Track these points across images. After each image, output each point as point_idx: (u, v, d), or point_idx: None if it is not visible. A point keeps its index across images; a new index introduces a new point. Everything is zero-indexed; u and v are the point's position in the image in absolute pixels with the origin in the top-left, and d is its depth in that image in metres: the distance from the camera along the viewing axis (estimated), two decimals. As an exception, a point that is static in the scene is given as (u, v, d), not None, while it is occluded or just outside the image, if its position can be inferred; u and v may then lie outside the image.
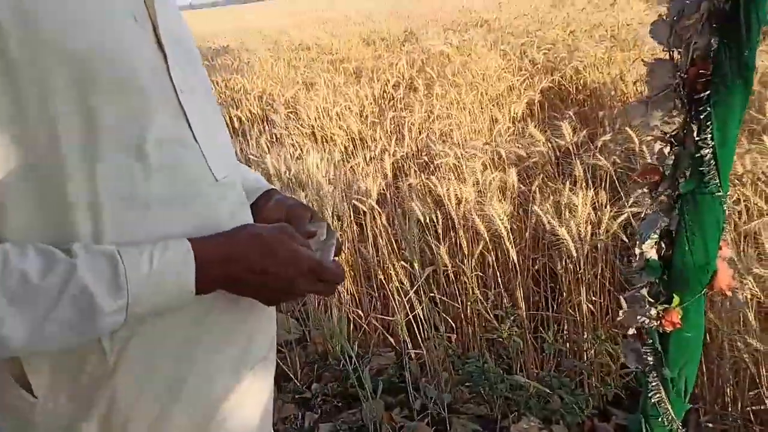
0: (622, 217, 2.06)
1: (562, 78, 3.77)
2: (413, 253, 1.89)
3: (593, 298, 2.09)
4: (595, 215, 2.08)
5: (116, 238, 0.62)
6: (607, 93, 3.59)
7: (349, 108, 3.57)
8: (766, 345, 1.46)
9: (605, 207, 2.06)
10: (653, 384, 1.16)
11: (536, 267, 2.38)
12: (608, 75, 3.66)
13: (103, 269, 0.59)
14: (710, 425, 1.75)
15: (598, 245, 2.07)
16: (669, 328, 1.07)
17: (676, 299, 1.06)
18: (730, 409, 1.73)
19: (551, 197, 2.33)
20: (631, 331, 1.10)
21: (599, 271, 2.10)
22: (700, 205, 0.97)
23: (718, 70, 0.89)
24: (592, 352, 1.90)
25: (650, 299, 1.08)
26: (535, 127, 2.86)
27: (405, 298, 1.85)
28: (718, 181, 0.94)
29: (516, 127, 3.14)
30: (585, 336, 1.99)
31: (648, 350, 1.14)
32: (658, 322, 1.07)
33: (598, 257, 2.10)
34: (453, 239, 2.21)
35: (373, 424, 1.93)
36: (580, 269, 2.05)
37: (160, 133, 0.64)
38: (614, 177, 2.42)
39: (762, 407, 1.66)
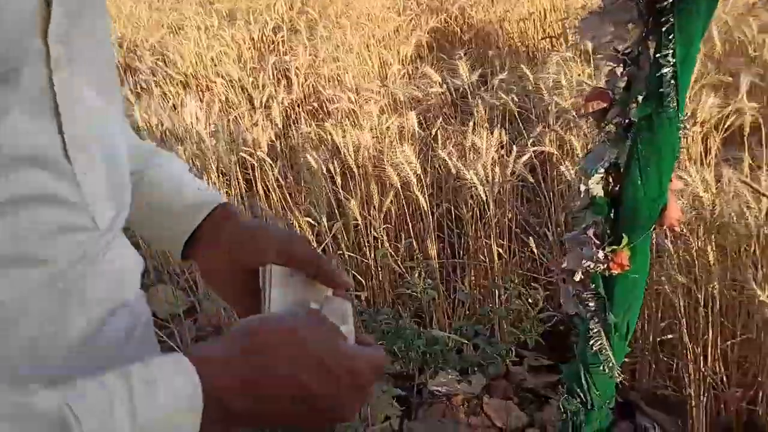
0: (526, 157, 2.00)
1: (448, 18, 3.65)
2: (320, 207, 1.70)
3: (502, 242, 2.03)
4: (499, 156, 1.99)
5: None
6: (494, 32, 3.52)
7: (226, 53, 3.23)
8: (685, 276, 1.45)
9: (510, 147, 1.98)
10: (595, 331, 1.08)
11: (439, 211, 2.28)
12: (494, 14, 3.59)
13: None
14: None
15: (504, 187, 2.00)
16: (617, 271, 0.97)
17: (625, 239, 0.96)
18: (640, 342, 1.75)
19: (452, 140, 2.22)
20: (578, 277, 0.99)
21: (506, 214, 2.04)
22: (657, 132, 0.87)
23: (683, -28, 0.77)
24: (505, 296, 1.84)
25: (596, 241, 0.97)
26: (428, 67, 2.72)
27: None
28: (676, 102, 0.84)
29: (407, 69, 2.99)
30: (496, 281, 1.92)
31: (590, 295, 1.05)
32: (606, 265, 0.97)
33: (505, 199, 2.03)
34: (362, 190, 2.04)
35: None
36: (487, 213, 1.96)
37: (5, 144, 0.37)
38: (515, 116, 2.36)
39: (670, 336, 1.68)
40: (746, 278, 1.31)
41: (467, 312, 2.06)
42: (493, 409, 1.71)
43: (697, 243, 1.42)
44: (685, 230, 1.41)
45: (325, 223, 1.74)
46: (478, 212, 2.06)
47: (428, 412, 1.71)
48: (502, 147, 2.06)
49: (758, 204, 1.42)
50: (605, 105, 0.91)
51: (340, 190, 2.02)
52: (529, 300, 1.79)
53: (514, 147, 1.96)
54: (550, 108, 2.29)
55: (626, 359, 1.76)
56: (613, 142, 0.93)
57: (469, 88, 2.54)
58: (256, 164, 2.22)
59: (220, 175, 2.20)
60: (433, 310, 1.98)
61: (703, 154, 1.85)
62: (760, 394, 1.53)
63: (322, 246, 1.73)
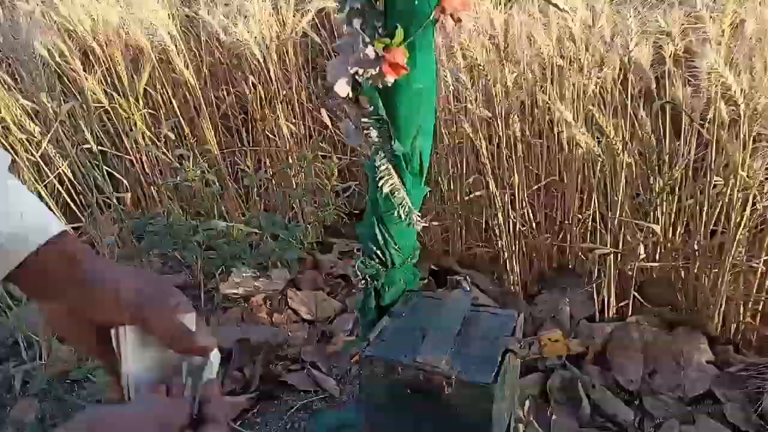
0: (309, 16, 1.71)
1: None
2: (41, 87, 1.27)
3: (294, 120, 1.76)
4: (278, 17, 1.68)
5: None
6: None
7: None
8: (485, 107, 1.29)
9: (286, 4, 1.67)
10: (383, 168, 0.86)
11: (224, 105, 1.94)
12: None
13: None
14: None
15: (288, 56, 1.70)
16: (392, 76, 0.74)
17: (399, 33, 0.73)
18: (449, 203, 1.61)
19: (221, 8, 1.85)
20: (345, 90, 0.75)
21: (295, 87, 1.76)
22: None
23: None
24: (302, 176, 1.60)
25: (366, 38, 0.73)
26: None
27: (37, 154, 1.26)
28: None
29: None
30: (291, 161, 1.66)
31: (371, 122, 0.82)
32: (378, 68, 0.73)
33: (291, 72, 1.74)
34: (105, 67, 1.62)
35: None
36: (272, 86, 1.67)
37: None
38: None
39: (479, 193, 1.56)
40: (553, 98, 1.17)
41: (265, 207, 1.79)
42: (300, 302, 1.49)
43: (494, 73, 1.25)
44: (480, 62, 1.24)
45: (52, 107, 1.32)
46: (262, 90, 1.76)
47: (223, 318, 1.44)
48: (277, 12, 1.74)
49: (548, 35, 1.29)
50: None
51: (80, 74, 1.59)
52: (328, 175, 1.56)
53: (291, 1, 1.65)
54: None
55: (436, 224, 1.63)
56: None
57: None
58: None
59: None
60: (220, 206, 1.68)
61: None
62: (568, 236, 1.48)
63: (50, 136, 1.31)
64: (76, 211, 1.44)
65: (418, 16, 0.74)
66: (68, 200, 1.45)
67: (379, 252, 0.94)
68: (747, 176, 1.09)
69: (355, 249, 1.72)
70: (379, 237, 0.93)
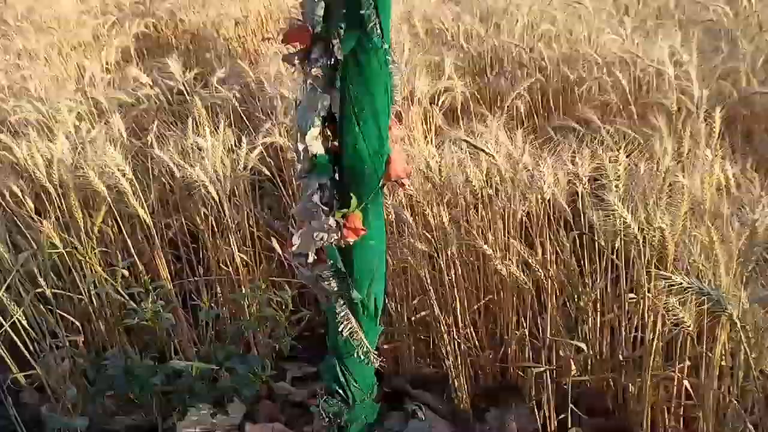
0: (257, 150, 1.82)
1: (157, 22, 3.33)
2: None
3: (246, 248, 1.82)
4: (228, 153, 1.79)
5: None
6: (210, 36, 3.31)
7: None
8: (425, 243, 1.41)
9: (238, 143, 1.78)
10: (342, 314, 0.94)
11: (172, 231, 2.00)
12: (206, 17, 3.37)
13: None
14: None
15: (239, 188, 1.79)
16: (352, 238, 0.84)
17: (354, 200, 0.84)
18: (396, 325, 1.69)
19: (173, 143, 1.95)
20: (312, 257, 0.84)
21: (245, 217, 1.84)
22: (364, 69, 0.75)
23: None
24: (255, 306, 1.65)
25: (324, 207, 0.83)
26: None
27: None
28: (380, 30, 0.73)
29: (113, 77, 2.62)
30: (243, 291, 1.71)
31: (330, 274, 0.91)
32: (339, 233, 0.83)
33: (242, 202, 1.83)
34: (60, 210, 1.66)
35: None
36: (224, 217, 1.74)
37: None
38: (240, 115, 2.17)
39: (424, 313, 1.65)
40: (474, 236, 1.31)
41: (217, 334, 1.81)
42: (256, 435, 1.49)
43: (432, 210, 1.38)
44: (420, 200, 1.37)
45: (8, 258, 1.35)
46: (213, 221, 1.83)
47: (180, 458, 1.43)
48: (231, 150, 1.84)
49: (478, 168, 1.44)
50: (306, 44, 0.77)
51: (33, 215, 1.62)
52: (282, 305, 1.61)
53: (244, 140, 1.76)
54: (275, 102, 2.16)
55: (386, 346, 1.70)
56: (324, 87, 0.79)
57: (185, 87, 2.29)
58: None
59: None
60: (177, 341, 1.69)
61: (425, 128, 1.88)
62: (509, 351, 1.57)
63: (5, 286, 1.33)
64: (29, 357, 1.43)
65: (368, 182, 0.85)
66: (22, 348, 1.44)
67: (340, 390, 1.00)
68: (653, 296, 1.23)
69: (311, 380, 1.74)
70: (341, 376, 0.99)
